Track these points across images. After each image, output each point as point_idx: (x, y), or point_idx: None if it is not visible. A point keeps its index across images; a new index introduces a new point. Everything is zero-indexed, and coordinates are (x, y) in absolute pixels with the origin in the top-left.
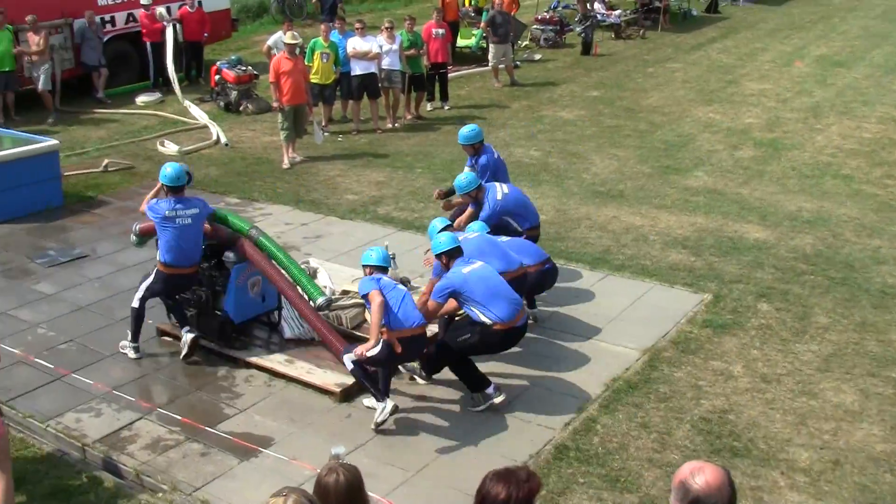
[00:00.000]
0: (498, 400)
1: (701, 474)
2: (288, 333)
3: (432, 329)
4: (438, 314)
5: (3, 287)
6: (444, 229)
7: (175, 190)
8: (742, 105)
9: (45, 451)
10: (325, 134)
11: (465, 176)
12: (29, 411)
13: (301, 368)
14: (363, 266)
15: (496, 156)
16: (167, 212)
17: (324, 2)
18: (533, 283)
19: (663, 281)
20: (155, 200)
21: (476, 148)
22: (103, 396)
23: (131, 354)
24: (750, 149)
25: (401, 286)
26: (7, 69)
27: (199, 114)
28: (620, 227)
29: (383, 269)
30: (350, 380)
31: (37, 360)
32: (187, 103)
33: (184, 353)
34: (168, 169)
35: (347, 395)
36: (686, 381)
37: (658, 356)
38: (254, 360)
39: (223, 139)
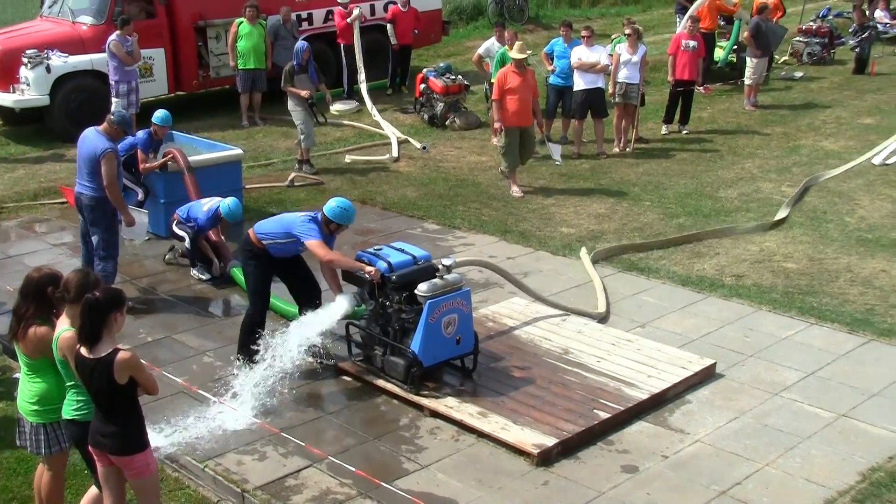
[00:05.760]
0: None
1: None
2: None
3: None
4: None
5: (167, 309)
6: None
7: None
8: None
9: (201, 495)
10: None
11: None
12: (187, 449)
13: (495, 423)
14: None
15: None
16: None
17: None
18: None
19: None
20: None
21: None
22: (269, 438)
23: None
24: None
25: None
26: (252, 66)
27: (385, 125)
28: (890, 283)
29: None
30: (550, 441)
31: (200, 391)
32: (374, 113)
33: None
34: None
35: (546, 458)
36: None
37: None
38: (442, 409)
39: (394, 153)
